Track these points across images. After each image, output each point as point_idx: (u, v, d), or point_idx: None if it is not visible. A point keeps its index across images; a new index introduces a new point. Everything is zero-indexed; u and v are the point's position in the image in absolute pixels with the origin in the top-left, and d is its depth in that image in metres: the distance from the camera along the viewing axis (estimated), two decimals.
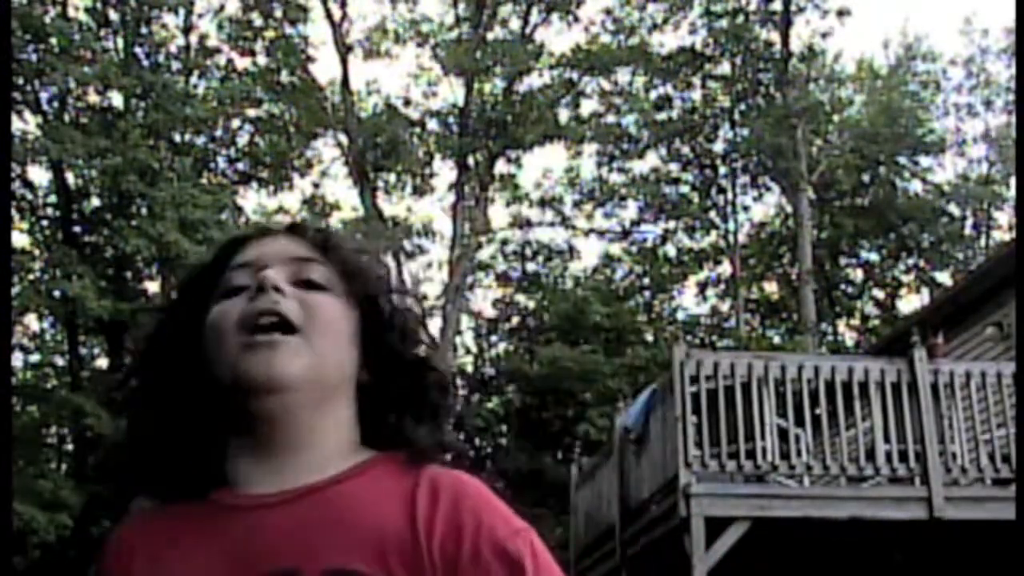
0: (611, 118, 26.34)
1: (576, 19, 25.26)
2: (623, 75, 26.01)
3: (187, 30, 21.80)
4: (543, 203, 27.42)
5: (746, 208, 27.80)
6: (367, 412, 1.11)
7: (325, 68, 35.66)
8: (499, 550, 1.00)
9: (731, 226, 26.81)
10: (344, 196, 30.03)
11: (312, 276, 1.10)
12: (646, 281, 27.50)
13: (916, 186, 27.28)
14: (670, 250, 27.78)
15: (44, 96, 18.70)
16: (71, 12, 19.02)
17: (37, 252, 19.00)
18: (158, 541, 1.07)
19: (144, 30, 20.24)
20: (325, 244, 1.14)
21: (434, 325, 22.38)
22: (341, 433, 1.09)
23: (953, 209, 27.37)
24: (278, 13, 23.31)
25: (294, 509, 1.03)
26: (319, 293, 1.09)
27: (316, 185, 25.06)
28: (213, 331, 1.07)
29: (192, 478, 1.08)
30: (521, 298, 26.77)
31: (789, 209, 25.84)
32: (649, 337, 24.68)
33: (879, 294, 28.39)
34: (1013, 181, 26.23)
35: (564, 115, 25.66)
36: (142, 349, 1.17)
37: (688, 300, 32.03)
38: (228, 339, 1.05)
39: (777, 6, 23.80)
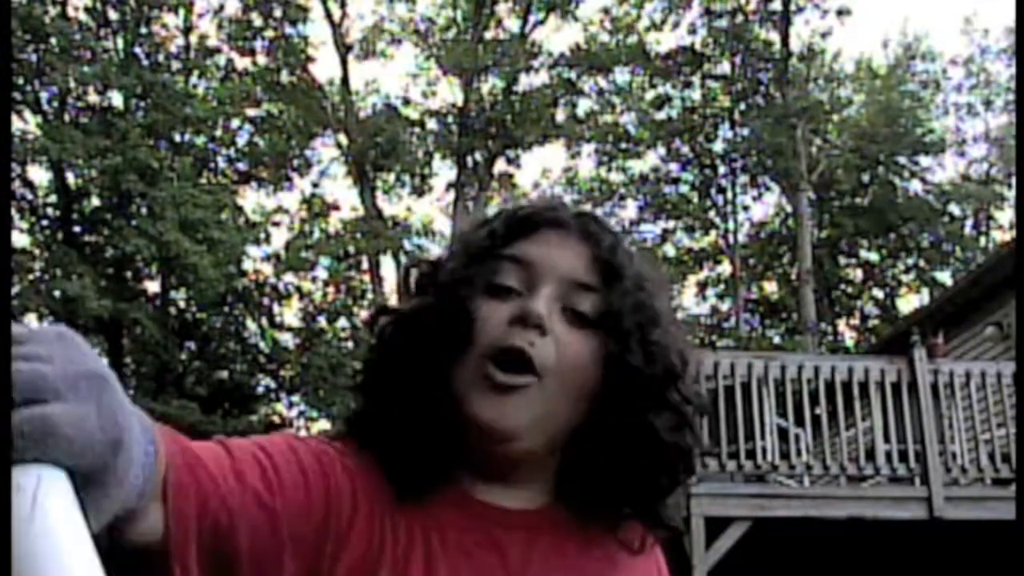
0: (610, 117, 26.37)
1: (575, 18, 25.29)
2: (622, 74, 26.05)
3: (187, 30, 21.81)
4: None
5: (746, 208, 27.84)
6: (585, 455, 1.04)
7: (325, 68, 35.68)
8: None
9: (731, 226, 26.83)
10: (344, 196, 30.13)
11: (582, 309, 1.01)
12: None
13: (916, 186, 27.29)
14: (670, 250, 27.79)
15: (44, 96, 18.71)
16: (71, 12, 19.04)
17: (37, 252, 19.01)
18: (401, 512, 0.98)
19: (144, 30, 20.26)
20: (610, 265, 1.03)
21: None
22: (549, 476, 1.05)
23: (953, 209, 27.39)
24: (278, 13, 23.31)
25: (557, 532, 1.03)
26: (582, 332, 1.01)
27: (316, 185, 25.09)
28: (470, 336, 1.00)
29: (431, 463, 1.01)
30: None
31: (789, 209, 25.86)
32: None
33: (879, 294, 28.40)
34: (1013, 181, 26.24)
35: (563, 115, 25.68)
36: (392, 315, 1.07)
37: (688, 300, 31.98)
38: (479, 354, 0.99)
39: (777, 6, 23.82)
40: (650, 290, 1.06)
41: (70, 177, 18.72)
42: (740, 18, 24.29)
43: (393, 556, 0.95)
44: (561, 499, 1.05)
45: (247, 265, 21.53)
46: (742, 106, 25.32)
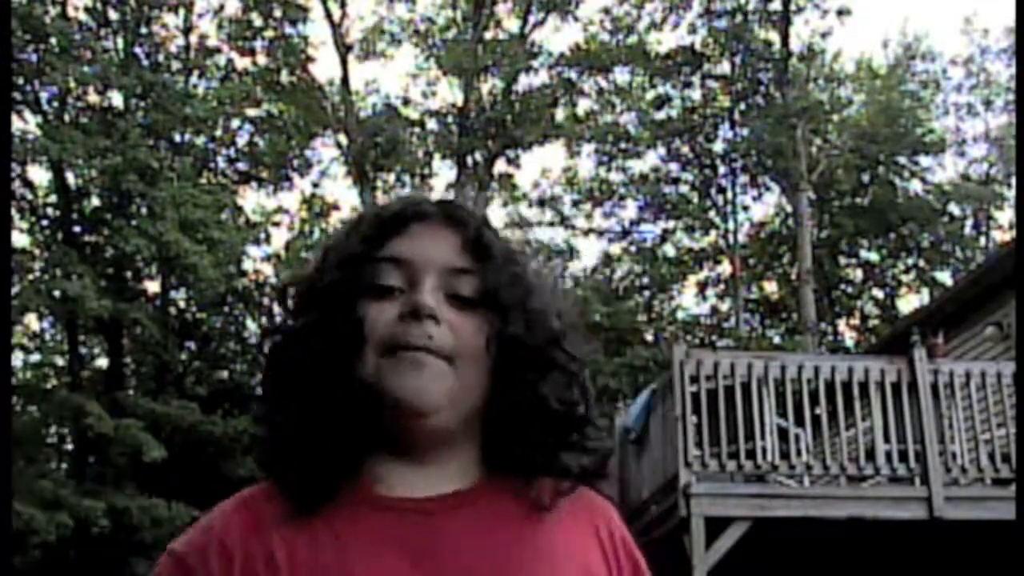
0: (610, 117, 26.36)
1: (575, 18, 25.28)
2: (622, 74, 26.04)
3: (187, 30, 21.81)
4: (542, 203, 27.45)
5: (746, 208, 27.83)
6: (498, 429, 1.09)
7: (325, 68, 35.67)
8: None
9: (731, 226, 26.81)
10: (344, 196, 30.11)
11: (464, 292, 1.07)
12: (646, 281, 27.50)
13: (916, 186, 27.27)
14: (670, 250, 27.79)
15: (44, 96, 18.70)
16: (71, 12, 19.03)
17: (37, 252, 19.01)
18: (293, 528, 1.02)
19: (144, 30, 20.25)
20: (480, 245, 1.09)
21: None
22: (474, 449, 1.10)
23: (953, 209, 27.37)
24: (278, 13, 23.30)
25: (476, 516, 1.05)
26: (469, 314, 1.06)
27: (316, 185, 25.09)
28: (362, 336, 1.04)
29: (330, 475, 1.05)
30: None
31: (789, 209, 25.85)
32: (649, 337, 24.67)
33: (879, 294, 28.39)
34: (1013, 181, 26.24)
35: (563, 115, 25.68)
36: (277, 335, 1.12)
37: (688, 300, 31.98)
38: (375, 353, 1.03)
39: (777, 6, 23.81)
40: (521, 261, 1.12)
41: (70, 177, 18.71)
42: (740, 18, 24.28)
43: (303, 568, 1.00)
44: (493, 474, 1.09)
45: (247, 265, 21.54)
46: (742, 106, 25.31)
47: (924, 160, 27.39)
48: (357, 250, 1.09)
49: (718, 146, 26.48)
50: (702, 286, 27.77)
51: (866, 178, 26.90)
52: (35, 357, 21.53)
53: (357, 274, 1.07)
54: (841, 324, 28.18)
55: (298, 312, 1.11)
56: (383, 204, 1.15)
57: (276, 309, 1.15)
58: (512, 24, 25.59)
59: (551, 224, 27.50)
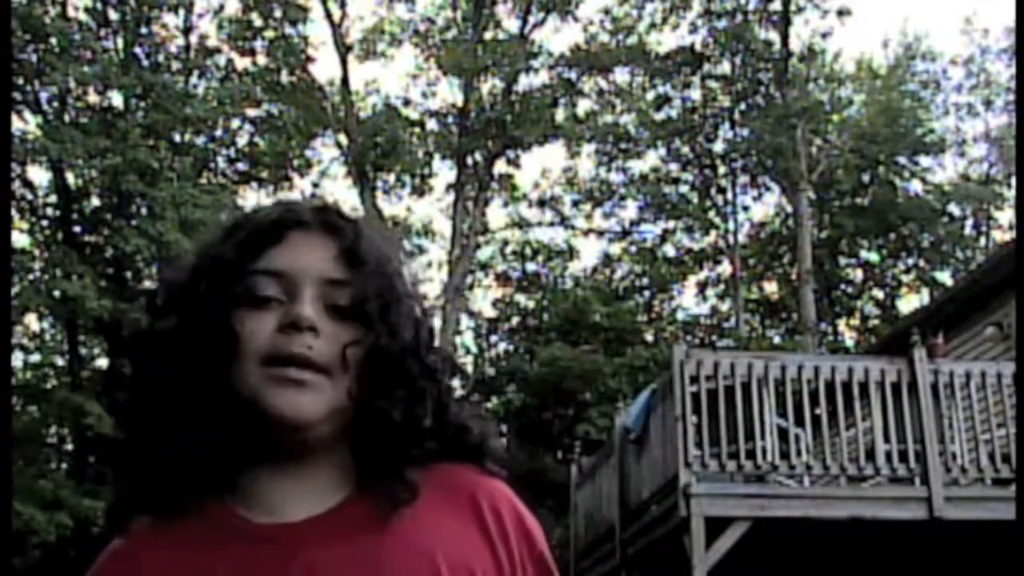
0: (610, 118, 26.36)
1: (575, 18, 25.28)
2: (622, 74, 26.04)
3: (187, 30, 21.80)
4: (542, 203, 27.45)
5: (746, 208, 27.91)
6: (362, 437, 1.10)
7: (325, 68, 35.69)
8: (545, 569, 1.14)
9: (731, 226, 26.83)
10: (344, 196, 30.05)
11: (341, 303, 1.07)
12: (646, 281, 27.50)
13: (916, 186, 27.29)
14: (670, 250, 27.80)
15: (44, 96, 18.69)
16: (71, 12, 19.02)
17: (37, 252, 18.99)
18: (178, 562, 1.03)
19: (144, 30, 20.23)
20: (356, 254, 1.09)
21: (434, 325, 22.42)
22: (347, 455, 1.10)
23: (953, 209, 27.37)
24: (278, 13, 23.30)
25: (336, 539, 1.04)
26: (345, 324, 1.07)
27: (316, 185, 25.08)
28: (239, 347, 1.04)
29: (193, 488, 1.05)
30: (521, 298, 26.79)
31: (789, 209, 25.85)
32: (649, 337, 24.67)
33: (879, 294, 28.39)
34: (1013, 181, 26.23)
35: (563, 115, 25.67)
36: (144, 337, 1.11)
37: (688, 300, 32.07)
38: (253, 364, 1.03)
39: (777, 6, 23.81)
40: (392, 269, 1.12)
41: (70, 177, 18.69)
42: (740, 18, 24.28)
43: None
44: (361, 483, 1.09)
45: None
46: (742, 106, 25.32)
47: (924, 160, 27.41)
48: (233, 258, 1.08)
49: (718, 146, 26.50)
50: (702, 286, 27.79)
51: (866, 178, 26.91)
52: (35, 357, 21.52)
53: (233, 283, 1.07)
54: (841, 324, 28.19)
55: (168, 315, 1.10)
56: (259, 209, 1.14)
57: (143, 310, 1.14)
58: (512, 24, 25.62)
59: (551, 224, 27.52)
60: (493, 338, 26.61)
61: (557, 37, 33.11)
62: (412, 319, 1.11)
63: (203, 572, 1.01)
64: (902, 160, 26.92)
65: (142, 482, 1.07)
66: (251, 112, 22.69)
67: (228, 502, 1.06)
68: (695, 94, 25.97)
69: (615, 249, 27.87)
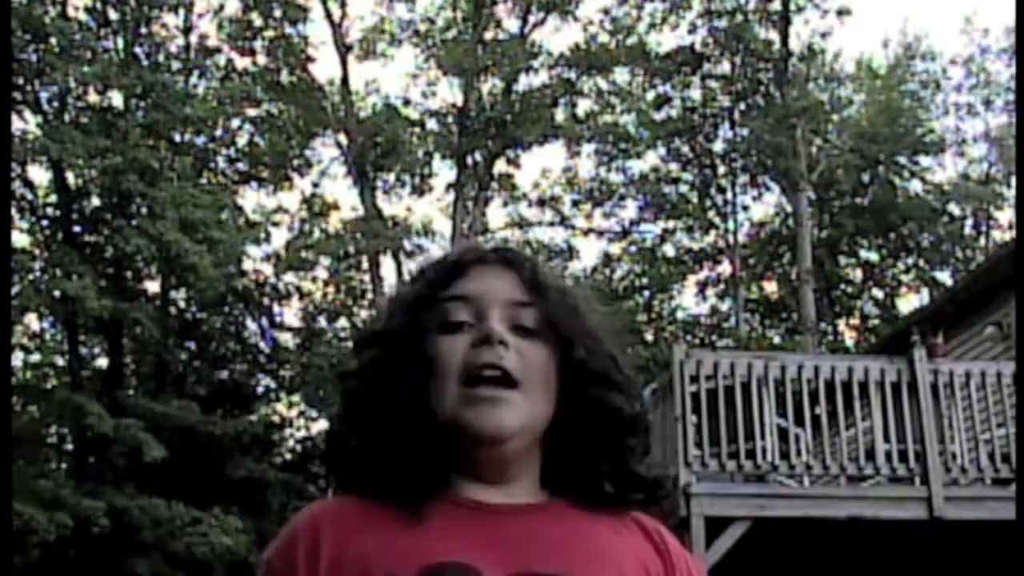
0: (610, 117, 26.35)
1: (575, 18, 25.28)
2: (622, 75, 26.03)
3: (187, 30, 21.81)
4: (542, 203, 27.44)
5: (746, 208, 27.82)
6: (559, 450, 1.19)
7: (325, 68, 35.65)
8: None
9: (731, 226, 26.82)
10: (344, 196, 30.12)
11: (527, 323, 1.17)
12: (646, 281, 27.50)
13: (916, 186, 27.28)
14: (670, 250, 27.79)
15: (44, 96, 18.70)
16: (71, 12, 19.03)
17: (37, 252, 19.00)
18: (386, 525, 1.11)
19: (144, 30, 20.25)
20: (536, 283, 1.20)
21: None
22: (537, 470, 1.19)
23: (953, 209, 27.37)
24: (278, 13, 23.31)
25: (549, 521, 1.15)
26: (533, 342, 1.17)
27: (316, 185, 25.09)
28: (438, 368, 1.14)
29: (420, 485, 1.14)
30: None
31: (789, 209, 25.84)
32: (649, 337, 24.67)
33: (879, 294, 28.39)
34: (1013, 181, 26.23)
35: (563, 115, 25.67)
36: (363, 367, 1.21)
37: (688, 300, 31.95)
38: (451, 384, 1.13)
39: (777, 6, 23.81)
40: (573, 295, 1.24)
41: (70, 177, 18.70)
42: (740, 18, 24.27)
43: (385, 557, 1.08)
44: (553, 492, 1.19)
45: (247, 265, 21.55)
46: (742, 106, 25.30)
47: (924, 160, 27.40)
48: (424, 293, 1.21)
49: (718, 146, 26.49)
50: (702, 286, 27.76)
51: (866, 178, 26.91)
52: (35, 357, 21.53)
53: (426, 312, 1.18)
54: (841, 324, 28.19)
55: (369, 349, 1.22)
56: (443, 253, 1.27)
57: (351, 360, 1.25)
58: (512, 24, 25.61)
59: (551, 224, 27.51)
60: None
61: (557, 37, 33.08)
62: (603, 338, 1.23)
63: (415, 526, 1.10)
64: (902, 160, 26.92)
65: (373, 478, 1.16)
66: (251, 112, 22.71)
67: (442, 495, 1.15)
68: (695, 94, 25.96)
69: (615, 249, 27.88)
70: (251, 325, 22.33)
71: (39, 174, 19.14)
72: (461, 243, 1.38)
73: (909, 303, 26.70)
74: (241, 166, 22.88)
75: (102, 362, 20.48)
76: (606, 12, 25.58)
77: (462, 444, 1.13)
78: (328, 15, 24.67)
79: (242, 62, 23.04)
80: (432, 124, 25.64)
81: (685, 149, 26.67)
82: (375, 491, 1.14)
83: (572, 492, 1.18)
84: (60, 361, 20.97)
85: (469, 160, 25.04)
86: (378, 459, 1.15)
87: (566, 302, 1.21)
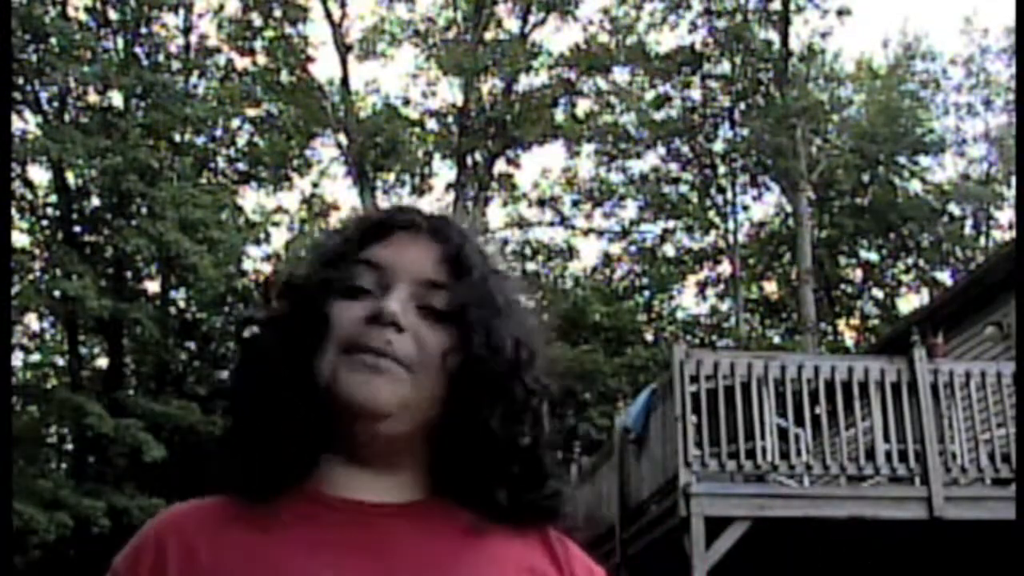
0: (610, 117, 26.36)
1: (574, 18, 25.29)
2: (622, 75, 26.05)
3: (187, 30, 21.81)
4: (542, 203, 27.44)
5: (746, 208, 27.84)
6: (444, 448, 1.09)
7: (325, 68, 35.67)
8: None
9: (731, 226, 26.81)
10: (343, 196, 30.10)
11: (436, 304, 1.07)
12: (646, 281, 27.50)
13: (916, 186, 27.28)
14: (670, 250, 27.79)
15: (44, 96, 18.70)
16: (71, 12, 19.03)
17: (37, 252, 19.00)
18: (240, 528, 1.03)
19: (144, 30, 20.25)
20: (458, 261, 1.10)
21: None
22: (422, 465, 1.09)
23: (953, 209, 27.38)
24: (278, 13, 23.31)
25: (423, 524, 1.05)
26: (437, 327, 1.06)
27: (315, 185, 25.11)
28: (328, 333, 1.05)
29: (280, 471, 1.06)
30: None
31: (789, 209, 25.85)
32: (649, 337, 24.67)
33: (879, 294, 28.39)
34: (1013, 181, 26.24)
35: (562, 115, 25.68)
36: (251, 325, 1.13)
37: (688, 300, 31.97)
38: (334, 351, 1.04)
39: (777, 6, 23.81)
40: (497, 283, 1.11)
41: (70, 177, 18.70)
42: (740, 18, 24.27)
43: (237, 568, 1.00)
44: (436, 493, 1.08)
45: (247, 265, 21.55)
46: (742, 106, 25.30)
47: (924, 160, 27.41)
48: (337, 249, 1.11)
49: (718, 146, 26.49)
50: (702, 286, 27.77)
51: (866, 178, 26.91)
52: (35, 357, 21.54)
53: (334, 273, 1.08)
54: (841, 324, 28.19)
55: (278, 302, 1.13)
56: (374, 209, 1.17)
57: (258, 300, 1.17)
58: (512, 24, 25.62)
59: (551, 224, 27.51)
60: None
61: (557, 37, 33.13)
62: (515, 338, 1.09)
63: (268, 532, 1.02)
64: (902, 160, 26.92)
65: (233, 462, 1.08)
66: (251, 112, 22.72)
67: (306, 484, 1.07)
68: (695, 94, 25.97)
69: (615, 249, 27.88)
70: None
71: (39, 174, 19.16)
72: (397, 204, 1.22)
73: (909, 303, 26.73)
74: (241, 166, 22.88)
75: (102, 362, 20.48)
76: (606, 12, 25.60)
77: (335, 417, 1.03)
78: (328, 15, 24.68)
79: (242, 62, 23.07)
80: (432, 124, 25.66)
81: (685, 149, 26.67)
82: (227, 483, 1.06)
83: (459, 495, 1.08)
84: (60, 361, 20.98)
85: (469, 160, 25.05)
86: (245, 433, 1.07)
87: (486, 290, 1.08)
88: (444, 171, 25.66)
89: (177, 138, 20.38)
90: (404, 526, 1.04)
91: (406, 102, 25.44)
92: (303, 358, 1.05)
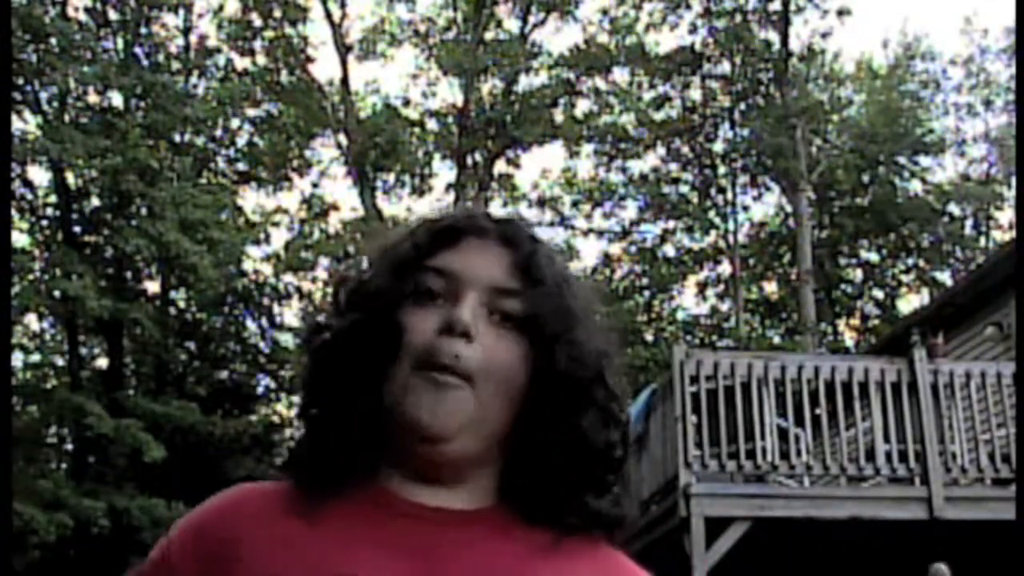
0: (610, 117, 26.36)
1: (574, 19, 25.29)
2: (622, 75, 26.05)
3: (187, 30, 21.82)
4: (542, 203, 27.45)
5: (746, 208, 27.81)
6: (522, 459, 1.06)
7: (325, 68, 35.72)
8: None
9: (731, 226, 26.80)
10: (344, 196, 30.12)
11: (508, 310, 1.05)
12: (646, 281, 27.50)
13: (916, 186, 27.28)
14: (670, 250, 27.78)
15: (44, 96, 18.70)
16: (71, 12, 19.03)
17: (37, 252, 19.00)
18: (290, 519, 1.02)
19: (144, 30, 20.25)
20: (530, 268, 1.07)
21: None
22: (492, 476, 1.07)
23: (953, 209, 27.37)
24: (278, 13, 23.31)
25: (485, 532, 1.03)
26: (509, 335, 1.04)
27: (315, 185, 25.11)
28: (402, 344, 1.03)
29: (344, 470, 1.05)
30: None
31: (789, 209, 25.84)
32: (649, 337, 24.67)
33: (879, 294, 28.39)
34: (1013, 181, 26.23)
35: (562, 115, 25.67)
36: (320, 334, 1.10)
37: (688, 300, 31.97)
38: (407, 366, 1.02)
39: (777, 6, 23.80)
40: (571, 292, 1.09)
41: (70, 177, 18.70)
42: (740, 18, 24.27)
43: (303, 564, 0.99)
44: (506, 501, 1.06)
45: (247, 265, 21.55)
46: (742, 106, 25.30)
47: (924, 160, 27.40)
48: (408, 256, 1.09)
49: (718, 146, 26.48)
50: (702, 286, 27.76)
51: (866, 178, 26.90)
52: (35, 357, 21.54)
53: (404, 281, 1.07)
54: (841, 324, 28.18)
55: (344, 312, 1.10)
56: (442, 214, 1.14)
57: (326, 306, 1.15)
58: (512, 24, 25.61)
59: (551, 224, 27.49)
60: None
61: (557, 37, 33.13)
62: (595, 344, 1.07)
63: (320, 526, 1.01)
64: (902, 160, 26.92)
65: (301, 454, 1.07)
66: (251, 112, 22.72)
67: (371, 484, 1.05)
68: (695, 94, 25.96)
69: (615, 249, 27.87)
70: (251, 325, 22.33)
71: (39, 174, 19.16)
72: (464, 207, 1.18)
73: (909, 303, 26.72)
74: (241, 166, 22.88)
75: (102, 362, 20.49)
76: (606, 12, 25.60)
77: (399, 436, 1.02)
78: (328, 15, 24.67)
79: (242, 62, 23.08)
80: (432, 124, 25.65)
81: (685, 149, 26.66)
82: (294, 473, 1.05)
83: (522, 504, 1.05)
84: (60, 361, 20.98)
85: (469, 160, 25.04)
86: (314, 436, 1.06)
87: (560, 298, 1.06)
88: (444, 171, 25.68)
89: (177, 138, 20.38)
90: (463, 532, 1.02)
91: (406, 102, 25.45)
92: (374, 372, 1.03)
